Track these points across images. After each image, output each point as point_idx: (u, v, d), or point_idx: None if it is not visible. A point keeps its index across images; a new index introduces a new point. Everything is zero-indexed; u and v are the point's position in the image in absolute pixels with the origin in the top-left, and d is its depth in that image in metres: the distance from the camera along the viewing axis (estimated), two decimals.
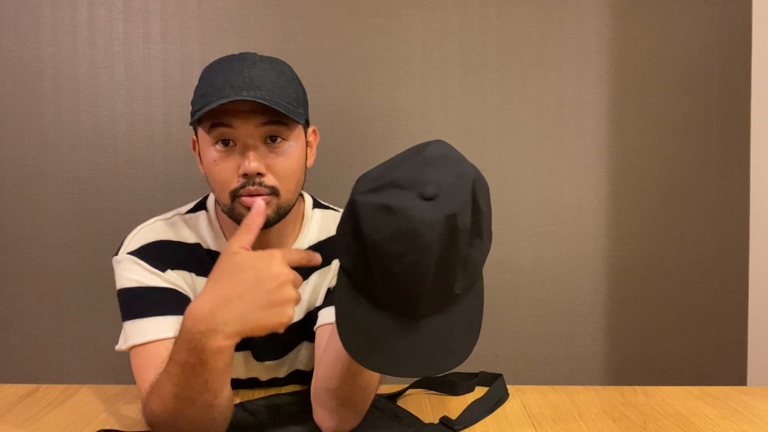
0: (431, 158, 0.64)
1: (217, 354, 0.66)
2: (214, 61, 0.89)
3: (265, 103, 0.80)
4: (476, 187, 0.64)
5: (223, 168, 0.84)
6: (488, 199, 0.67)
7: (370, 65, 1.39)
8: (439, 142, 0.68)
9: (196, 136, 0.90)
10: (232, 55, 0.88)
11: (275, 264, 0.66)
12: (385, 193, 0.63)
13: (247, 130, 0.83)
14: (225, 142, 0.84)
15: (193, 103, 0.88)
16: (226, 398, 0.72)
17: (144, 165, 1.39)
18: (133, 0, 1.37)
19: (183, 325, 0.67)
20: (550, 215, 1.43)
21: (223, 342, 0.65)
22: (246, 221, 0.72)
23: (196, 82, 0.88)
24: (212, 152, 0.85)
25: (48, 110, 1.38)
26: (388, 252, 0.61)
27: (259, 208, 0.73)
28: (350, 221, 0.65)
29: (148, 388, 0.74)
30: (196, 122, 0.85)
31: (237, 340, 0.66)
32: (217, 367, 0.67)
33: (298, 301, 0.68)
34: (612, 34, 1.41)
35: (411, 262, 0.61)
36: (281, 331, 0.67)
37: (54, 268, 1.40)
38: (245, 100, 0.80)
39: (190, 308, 0.67)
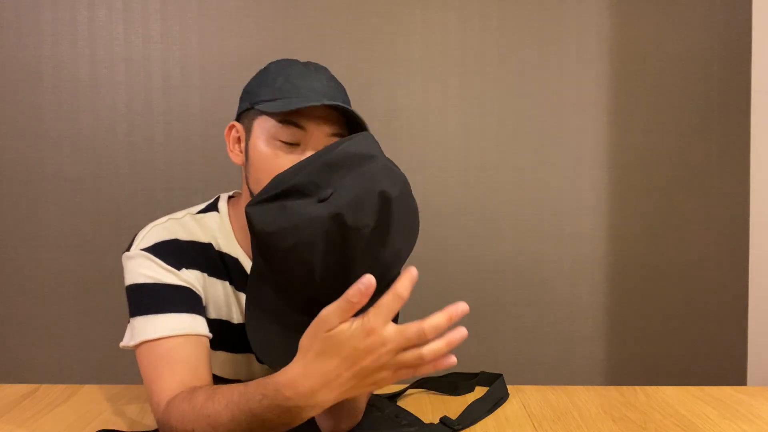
0: (336, 161, 0.65)
1: (305, 418, 0.67)
2: (285, 60, 0.91)
3: (353, 112, 0.84)
4: (385, 183, 0.62)
5: (284, 164, 0.84)
6: (404, 199, 0.64)
7: (370, 65, 1.39)
8: (354, 142, 0.67)
9: (245, 123, 0.90)
10: (300, 61, 0.91)
11: (374, 339, 0.62)
12: (284, 198, 0.64)
13: (317, 135, 0.85)
14: (290, 143, 0.86)
15: (257, 92, 0.88)
16: None
17: (144, 165, 1.39)
18: (133, 0, 1.37)
19: (280, 393, 0.65)
20: (550, 215, 1.43)
21: (317, 413, 0.66)
22: (350, 296, 0.60)
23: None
24: (271, 147, 0.86)
25: (48, 110, 1.38)
26: (276, 246, 0.62)
27: (369, 285, 0.60)
28: (247, 223, 0.66)
29: (200, 412, 0.72)
30: (262, 111, 0.85)
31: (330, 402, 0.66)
32: (294, 424, 0.67)
33: (401, 368, 0.63)
34: (612, 34, 1.41)
35: (298, 257, 0.61)
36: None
37: (54, 268, 1.40)
38: (322, 109, 0.84)
39: (293, 380, 0.64)
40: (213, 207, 0.98)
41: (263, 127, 0.87)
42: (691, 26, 1.40)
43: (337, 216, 0.60)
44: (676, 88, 1.41)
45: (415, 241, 0.69)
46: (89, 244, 1.39)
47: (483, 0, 1.40)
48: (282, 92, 0.85)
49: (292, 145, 0.85)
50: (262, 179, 0.86)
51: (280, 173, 0.69)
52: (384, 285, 0.64)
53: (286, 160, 0.85)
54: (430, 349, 0.63)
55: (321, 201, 0.62)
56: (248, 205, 0.67)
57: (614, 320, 1.44)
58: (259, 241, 0.64)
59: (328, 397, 0.64)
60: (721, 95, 1.41)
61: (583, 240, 1.43)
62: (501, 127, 1.42)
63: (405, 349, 0.63)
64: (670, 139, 1.42)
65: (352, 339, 0.62)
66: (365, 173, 0.63)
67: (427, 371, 0.64)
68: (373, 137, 0.72)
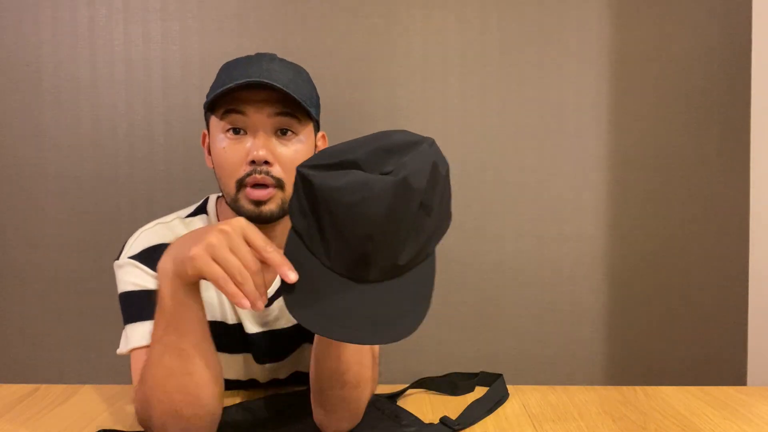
0: (393, 146, 0.66)
1: (160, 276, 0.69)
2: (234, 59, 0.91)
3: (282, 88, 0.82)
4: (436, 160, 0.66)
5: (232, 154, 0.85)
6: (447, 179, 0.69)
7: (370, 65, 1.39)
8: (403, 132, 0.69)
9: (208, 128, 0.92)
10: (251, 55, 0.91)
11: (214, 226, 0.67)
12: (343, 168, 0.66)
13: (259, 118, 0.85)
14: (236, 131, 0.86)
15: (208, 96, 0.89)
16: (205, 378, 0.71)
17: (144, 165, 1.39)
18: (133, 0, 1.37)
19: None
20: (550, 215, 1.43)
21: (161, 265, 0.69)
22: (233, 298, 0.64)
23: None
24: (222, 140, 0.87)
25: (48, 110, 1.38)
26: (339, 201, 0.63)
27: (288, 279, 0.65)
28: (301, 182, 0.67)
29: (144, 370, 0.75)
30: (210, 109, 0.87)
31: (169, 265, 0.68)
32: (162, 293, 0.69)
33: (212, 248, 0.64)
34: (612, 34, 1.41)
35: (362, 212, 0.62)
36: (189, 271, 0.65)
37: (54, 268, 1.40)
38: (260, 92, 0.83)
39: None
40: (202, 209, 0.98)
41: (214, 124, 0.88)
42: (691, 26, 1.40)
43: (404, 180, 0.62)
44: (676, 88, 1.41)
45: (446, 228, 0.71)
46: (89, 243, 1.39)
47: (483, 0, 1.40)
48: (221, 86, 0.85)
49: (238, 134, 0.86)
50: (222, 175, 0.88)
51: (334, 147, 0.68)
52: (419, 259, 0.67)
53: (235, 151, 0.85)
54: (241, 270, 0.64)
55: (383, 174, 0.64)
56: (302, 167, 0.67)
57: (614, 320, 1.44)
58: (321, 195, 0.64)
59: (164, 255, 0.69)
60: (721, 95, 1.41)
61: (583, 240, 1.43)
62: (501, 127, 1.41)
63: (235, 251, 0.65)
64: (670, 140, 1.42)
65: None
66: (422, 153, 0.66)
67: (229, 291, 0.64)
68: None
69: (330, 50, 1.39)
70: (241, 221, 0.66)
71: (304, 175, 0.66)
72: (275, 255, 0.65)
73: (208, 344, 0.73)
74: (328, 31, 1.39)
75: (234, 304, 0.65)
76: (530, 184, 1.42)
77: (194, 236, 0.68)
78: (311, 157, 0.69)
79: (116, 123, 1.39)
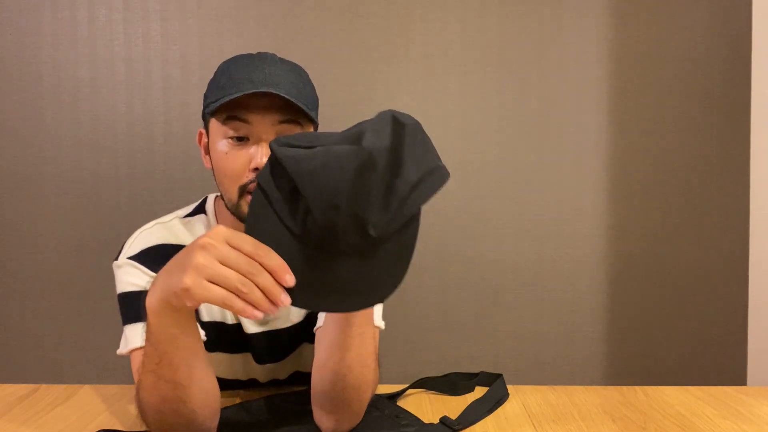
0: (366, 128, 0.64)
1: (149, 313, 0.66)
2: (233, 57, 0.89)
3: (287, 97, 0.81)
4: (395, 115, 0.63)
5: (235, 160, 0.84)
6: (418, 133, 0.64)
7: (370, 65, 1.39)
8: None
9: (206, 129, 0.91)
10: (252, 54, 0.89)
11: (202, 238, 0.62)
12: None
13: (263, 126, 0.83)
14: (238, 138, 0.85)
15: (207, 95, 0.88)
16: (195, 385, 0.70)
17: (144, 165, 1.39)
18: (133, 0, 1.37)
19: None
20: (550, 215, 1.43)
21: (148, 301, 0.65)
22: (243, 313, 0.60)
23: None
24: (224, 144, 0.85)
25: (48, 110, 1.38)
26: (301, 169, 0.60)
27: (258, 315, 0.60)
28: (270, 157, 0.65)
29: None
30: (210, 114, 0.86)
31: (159, 302, 0.64)
32: (154, 329, 0.66)
33: (203, 270, 0.59)
34: (612, 34, 1.41)
35: (324, 180, 0.59)
36: (188, 303, 0.60)
37: (54, 268, 1.40)
38: (263, 98, 0.81)
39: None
40: (200, 209, 0.98)
41: (215, 128, 0.87)
42: (691, 26, 1.40)
43: (361, 138, 0.60)
44: (676, 88, 1.41)
45: (436, 184, 0.65)
46: (89, 243, 1.39)
47: (483, 0, 1.40)
48: (224, 90, 0.84)
49: (242, 140, 0.85)
50: (223, 181, 0.87)
51: (311, 133, 0.67)
52: (402, 222, 0.63)
53: (238, 157, 0.84)
54: (241, 279, 0.59)
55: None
56: (273, 143, 0.65)
57: (614, 320, 1.44)
58: (287, 164, 0.62)
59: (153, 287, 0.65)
60: (721, 95, 1.41)
61: (583, 240, 1.43)
62: (501, 127, 1.41)
63: (227, 263, 0.59)
64: (670, 139, 1.42)
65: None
66: (380, 115, 0.64)
67: (238, 308, 0.59)
68: None
69: (330, 50, 1.39)
70: (221, 229, 0.61)
71: (272, 148, 0.64)
72: (270, 258, 0.60)
73: (203, 368, 0.71)
74: (329, 31, 1.39)
75: (248, 317, 0.60)
76: (530, 183, 1.42)
77: (177, 264, 0.62)
78: (287, 136, 0.66)
79: (116, 123, 1.39)
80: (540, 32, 1.40)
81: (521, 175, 1.42)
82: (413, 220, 0.64)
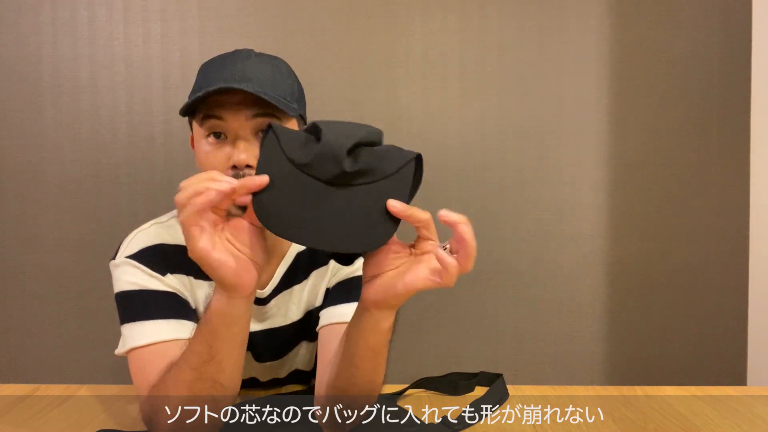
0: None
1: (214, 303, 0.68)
2: (211, 58, 0.90)
3: (254, 92, 0.80)
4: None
5: (214, 159, 0.84)
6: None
7: (370, 65, 1.39)
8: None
9: (192, 131, 0.91)
10: (229, 52, 0.89)
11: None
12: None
13: (237, 122, 0.83)
14: (217, 135, 0.84)
15: (189, 98, 0.88)
16: (229, 380, 0.72)
17: (144, 165, 1.39)
18: (133, 0, 1.37)
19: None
20: (550, 215, 1.43)
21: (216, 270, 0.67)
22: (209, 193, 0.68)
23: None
24: (205, 145, 0.85)
25: (48, 110, 1.38)
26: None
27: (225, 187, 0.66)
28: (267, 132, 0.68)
29: (156, 386, 0.74)
30: (190, 116, 0.86)
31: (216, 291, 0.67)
32: (215, 317, 0.68)
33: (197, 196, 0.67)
34: (612, 34, 1.41)
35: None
36: (193, 246, 0.66)
37: (54, 268, 1.40)
38: (237, 94, 0.80)
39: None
40: None
41: (196, 129, 0.87)
42: (691, 26, 1.40)
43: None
44: (676, 88, 1.41)
45: (374, 135, 0.69)
46: (89, 243, 1.39)
47: (483, 0, 1.40)
48: (200, 90, 0.83)
49: (219, 138, 0.84)
50: None
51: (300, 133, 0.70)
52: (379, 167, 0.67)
53: (217, 155, 0.84)
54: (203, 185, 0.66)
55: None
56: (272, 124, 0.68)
57: (614, 320, 1.44)
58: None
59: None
60: (721, 95, 1.41)
61: (583, 240, 1.43)
62: (501, 127, 1.41)
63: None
64: (670, 139, 1.42)
65: None
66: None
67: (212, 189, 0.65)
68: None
69: (330, 50, 1.39)
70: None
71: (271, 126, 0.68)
72: (243, 180, 0.65)
73: (240, 374, 0.74)
74: (328, 31, 1.39)
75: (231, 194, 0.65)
76: (530, 183, 1.42)
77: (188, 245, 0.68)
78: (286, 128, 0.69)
79: (116, 123, 1.39)
80: (540, 32, 1.40)
81: (521, 174, 1.42)
82: (406, 167, 0.69)
